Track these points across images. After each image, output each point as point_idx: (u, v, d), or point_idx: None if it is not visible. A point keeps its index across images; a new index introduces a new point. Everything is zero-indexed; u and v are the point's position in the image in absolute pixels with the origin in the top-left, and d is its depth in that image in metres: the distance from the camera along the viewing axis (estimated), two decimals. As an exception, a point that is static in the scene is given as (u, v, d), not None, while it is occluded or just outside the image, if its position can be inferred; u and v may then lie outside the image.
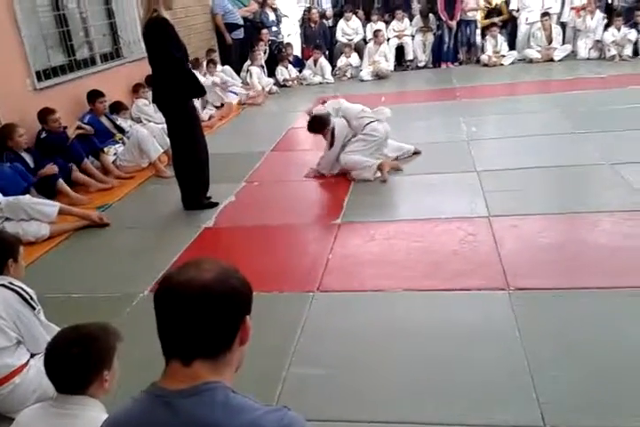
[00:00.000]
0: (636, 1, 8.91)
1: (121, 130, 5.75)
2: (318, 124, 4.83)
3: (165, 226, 4.18)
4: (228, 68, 8.87)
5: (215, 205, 4.41)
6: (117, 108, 5.97)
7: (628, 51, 8.56)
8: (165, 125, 4.51)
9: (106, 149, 5.41)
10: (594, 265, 3.04)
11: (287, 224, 4.01)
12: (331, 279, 3.16)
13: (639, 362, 2.26)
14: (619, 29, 8.56)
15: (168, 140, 5.01)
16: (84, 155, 5.09)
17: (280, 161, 5.52)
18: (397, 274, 3.14)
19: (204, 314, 0.98)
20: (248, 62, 8.94)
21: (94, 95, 5.56)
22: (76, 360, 1.60)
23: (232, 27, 9.13)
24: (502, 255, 3.21)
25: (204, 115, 7.32)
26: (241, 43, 9.24)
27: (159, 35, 3.86)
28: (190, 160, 4.26)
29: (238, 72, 8.90)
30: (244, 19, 9.30)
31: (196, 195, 4.36)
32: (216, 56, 8.82)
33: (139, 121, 6.20)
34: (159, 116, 6.02)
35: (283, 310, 2.92)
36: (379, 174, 4.64)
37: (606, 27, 8.74)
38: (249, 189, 4.79)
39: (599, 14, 8.84)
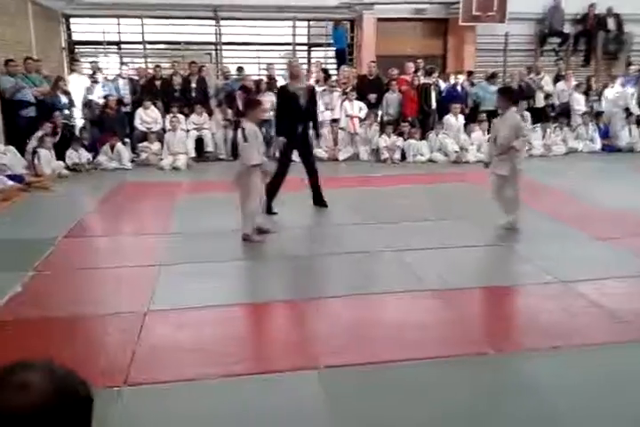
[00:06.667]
0: (399, 115, 10.58)
1: None
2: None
3: None
4: (12, 148, 8.24)
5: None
6: None
7: (397, 155, 10.00)
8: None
9: None
10: (392, 340, 3.35)
11: (86, 315, 3.72)
12: (139, 372, 2.98)
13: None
14: (389, 136, 10.03)
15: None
16: None
17: (75, 248, 5.16)
18: (209, 361, 3.09)
19: None
20: (34, 143, 8.41)
21: None
22: None
23: (22, 104, 8.62)
24: (309, 336, 3.36)
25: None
26: (31, 122, 8.71)
27: (314, 93, 6.83)
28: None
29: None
30: (36, 98, 8.85)
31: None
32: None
33: None
34: None
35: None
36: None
37: (379, 134, 10.20)
38: (39, 278, 4.36)
39: (375, 126, 10.31)
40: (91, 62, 10.91)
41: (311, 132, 6.60)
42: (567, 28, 13.08)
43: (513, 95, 5.88)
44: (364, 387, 2.85)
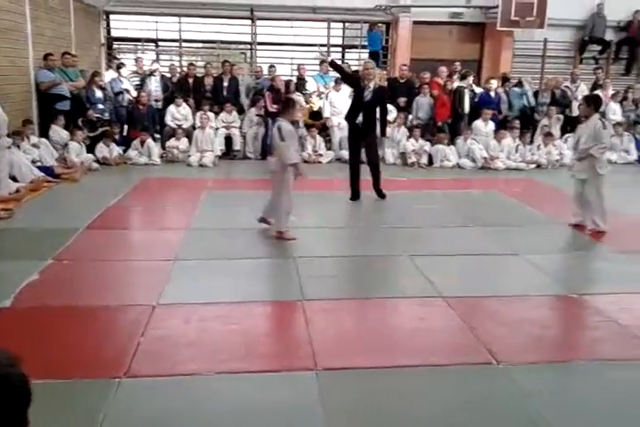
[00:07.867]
0: (429, 119, 10.47)
1: None
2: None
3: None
4: (44, 140, 8.47)
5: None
6: None
7: (424, 159, 9.89)
8: None
9: None
10: (396, 345, 3.32)
11: (99, 306, 3.78)
12: (140, 364, 3.01)
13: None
14: (417, 140, 9.92)
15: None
16: None
17: (96, 239, 5.25)
18: (211, 357, 3.10)
19: None
20: (67, 136, 8.64)
21: None
22: None
23: (58, 98, 8.86)
24: (313, 337, 3.34)
25: (12, 186, 6.81)
26: (65, 115, 8.94)
27: (384, 94, 7.33)
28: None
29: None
30: (71, 93, 9.08)
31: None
32: (32, 128, 8.38)
33: None
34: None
35: (81, 400, 2.69)
36: None
37: (407, 137, 10.08)
38: (57, 267, 4.46)
39: (404, 129, 10.19)
40: (117, 58, 11.14)
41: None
42: (609, 36, 12.78)
43: (598, 103, 6.07)
44: (360, 390, 2.83)
